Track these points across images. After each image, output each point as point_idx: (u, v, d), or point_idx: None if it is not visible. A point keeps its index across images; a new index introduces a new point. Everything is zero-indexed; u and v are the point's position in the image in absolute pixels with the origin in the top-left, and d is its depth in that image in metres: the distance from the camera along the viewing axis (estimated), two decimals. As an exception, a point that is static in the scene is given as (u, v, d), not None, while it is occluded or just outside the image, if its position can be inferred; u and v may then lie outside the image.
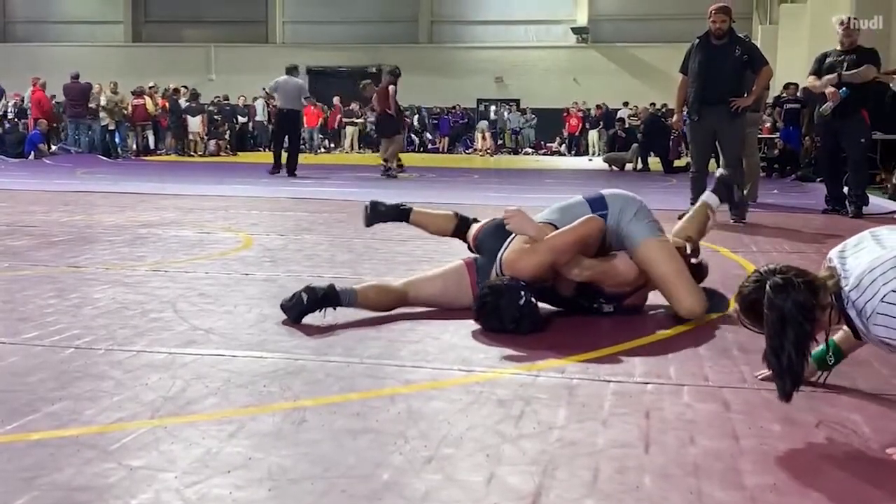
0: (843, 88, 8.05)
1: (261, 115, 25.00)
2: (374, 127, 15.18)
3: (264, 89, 20.44)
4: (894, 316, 2.22)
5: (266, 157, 15.84)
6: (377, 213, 4.33)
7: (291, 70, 14.47)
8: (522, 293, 3.42)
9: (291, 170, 14.00)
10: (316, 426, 2.34)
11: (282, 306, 3.58)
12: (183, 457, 2.11)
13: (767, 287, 2.30)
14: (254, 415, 2.44)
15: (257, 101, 25.11)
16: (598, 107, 26.40)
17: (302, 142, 18.11)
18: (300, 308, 3.53)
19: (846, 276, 2.34)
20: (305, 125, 23.97)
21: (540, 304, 3.56)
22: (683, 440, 2.29)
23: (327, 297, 3.55)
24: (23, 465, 2.05)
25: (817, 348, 2.58)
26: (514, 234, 3.69)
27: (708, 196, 4.25)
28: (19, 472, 2.01)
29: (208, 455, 2.12)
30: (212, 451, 2.15)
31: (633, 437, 2.30)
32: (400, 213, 4.34)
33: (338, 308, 3.58)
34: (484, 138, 27.17)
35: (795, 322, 2.25)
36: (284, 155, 14.17)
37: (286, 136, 14.36)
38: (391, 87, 14.11)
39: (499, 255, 3.69)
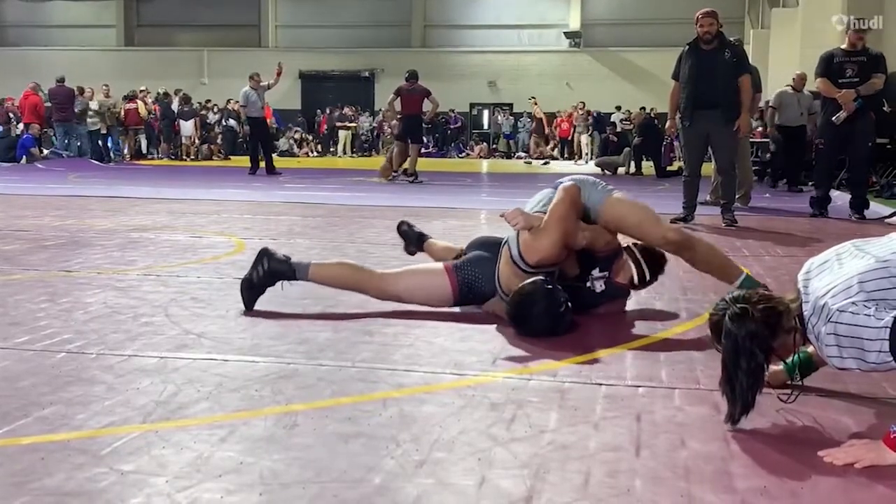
0: (859, 100, 8.18)
1: None
2: (400, 129, 14.21)
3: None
4: (840, 334, 2.22)
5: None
6: (402, 233, 4.67)
7: (250, 79, 15.60)
8: (562, 299, 3.47)
9: (269, 170, 15.44)
10: (308, 430, 2.34)
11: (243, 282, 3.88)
12: (174, 461, 2.11)
13: (726, 316, 2.35)
14: (245, 419, 2.44)
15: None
16: (588, 111, 26.34)
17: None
18: (254, 264, 3.83)
19: (806, 300, 2.35)
20: None
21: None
22: (674, 443, 2.29)
23: (279, 262, 3.84)
24: (14, 469, 2.05)
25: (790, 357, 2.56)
26: (505, 243, 3.77)
27: None
28: (10, 476, 2.00)
29: (200, 459, 2.12)
30: (203, 455, 2.15)
31: (624, 441, 2.31)
32: (419, 239, 4.62)
33: (294, 282, 3.87)
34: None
35: (747, 352, 2.30)
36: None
37: (258, 141, 15.96)
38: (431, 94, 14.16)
39: (499, 265, 3.74)
